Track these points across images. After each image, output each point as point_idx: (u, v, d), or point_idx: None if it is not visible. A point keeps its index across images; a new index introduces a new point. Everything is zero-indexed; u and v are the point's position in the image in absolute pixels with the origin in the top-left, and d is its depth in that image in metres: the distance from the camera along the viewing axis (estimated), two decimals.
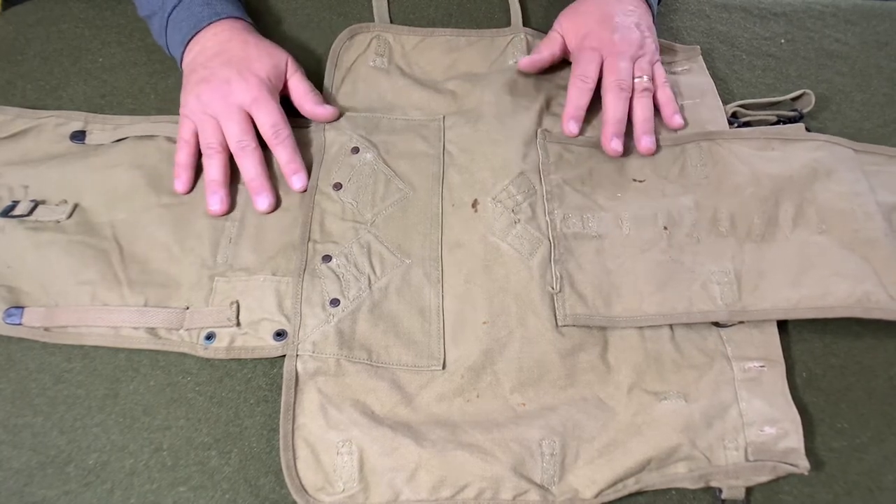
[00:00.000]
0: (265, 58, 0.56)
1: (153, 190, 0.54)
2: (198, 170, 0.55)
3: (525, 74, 0.61)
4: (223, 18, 0.56)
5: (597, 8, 0.60)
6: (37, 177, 0.55)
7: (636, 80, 0.57)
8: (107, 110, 0.60)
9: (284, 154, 0.54)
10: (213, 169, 0.53)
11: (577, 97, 0.57)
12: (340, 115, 0.58)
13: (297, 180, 0.54)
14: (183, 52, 0.56)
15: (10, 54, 0.64)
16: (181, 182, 0.54)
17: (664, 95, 0.59)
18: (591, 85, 0.57)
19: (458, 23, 0.67)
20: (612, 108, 0.56)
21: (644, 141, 0.56)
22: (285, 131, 0.54)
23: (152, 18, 0.58)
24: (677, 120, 0.58)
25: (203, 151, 0.54)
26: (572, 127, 0.57)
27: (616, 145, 0.56)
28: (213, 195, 0.53)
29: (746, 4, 0.72)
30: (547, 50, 0.60)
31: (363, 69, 0.62)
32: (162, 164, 0.56)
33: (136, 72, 0.63)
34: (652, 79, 0.58)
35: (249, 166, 0.53)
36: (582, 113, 0.57)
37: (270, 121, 0.54)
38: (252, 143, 0.53)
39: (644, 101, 0.57)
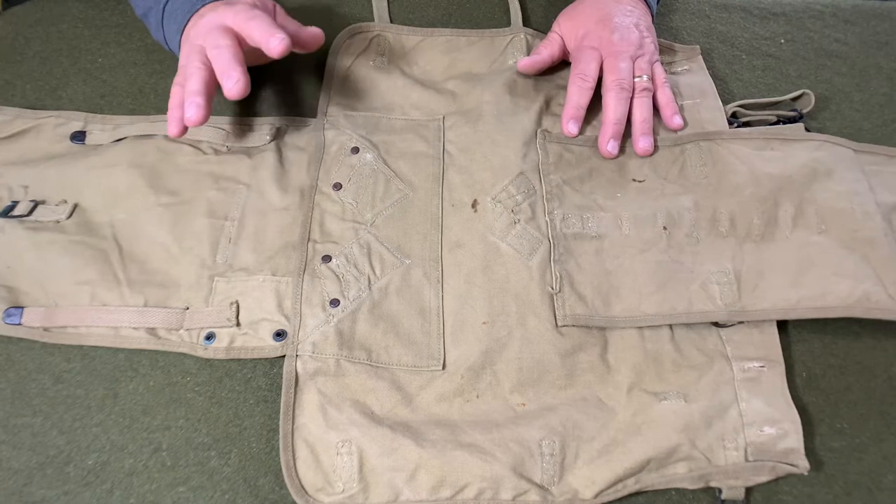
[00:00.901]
0: None
1: (152, 190, 0.54)
2: (195, 175, 0.55)
3: (524, 75, 0.61)
4: (216, 1, 0.55)
5: (595, 9, 0.60)
6: (36, 177, 0.55)
7: (636, 80, 0.57)
8: (106, 110, 0.60)
9: (258, 27, 0.49)
10: (194, 81, 0.49)
11: (576, 96, 0.57)
12: (323, 39, 0.55)
13: (276, 42, 0.48)
14: (180, 40, 0.56)
15: (10, 54, 0.64)
16: (174, 124, 0.50)
17: (664, 96, 0.59)
18: (591, 83, 0.57)
19: (458, 23, 0.67)
20: (613, 108, 0.56)
21: (641, 142, 0.56)
22: (259, 11, 0.50)
23: (149, 15, 0.58)
24: (677, 121, 0.58)
25: (186, 75, 0.50)
26: (572, 127, 0.57)
27: (612, 148, 0.56)
28: (191, 104, 0.48)
29: (746, 4, 0.72)
30: (546, 51, 0.60)
31: (363, 68, 0.62)
32: (161, 163, 0.55)
33: (136, 72, 0.63)
34: (651, 79, 0.58)
35: (223, 57, 0.49)
36: (582, 113, 0.57)
37: (247, 13, 0.50)
38: (227, 42, 0.49)
39: (643, 102, 0.57)
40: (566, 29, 0.61)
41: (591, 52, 0.58)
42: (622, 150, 0.57)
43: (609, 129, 0.56)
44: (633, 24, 0.59)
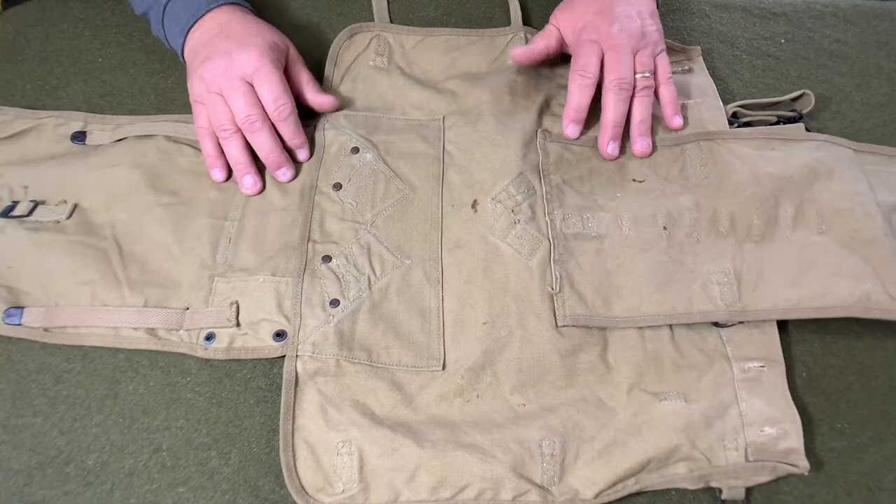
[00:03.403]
0: (266, 32, 0.55)
1: (153, 190, 0.54)
2: (195, 175, 0.55)
3: (524, 74, 0.61)
4: (222, 5, 0.56)
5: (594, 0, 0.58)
6: (36, 177, 0.55)
7: (637, 77, 0.56)
8: (107, 110, 0.60)
9: (287, 130, 0.54)
10: (234, 150, 0.53)
11: (577, 95, 0.56)
12: (339, 107, 0.58)
13: (301, 153, 0.55)
14: (183, 43, 0.56)
15: (10, 54, 0.64)
16: (218, 171, 0.54)
17: (668, 93, 0.57)
18: (593, 80, 0.56)
19: (458, 22, 0.67)
20: (612, 110, 0.55)
21: (639, 143, 0.56)
22: (288, 106, 0.53)
23: (149, 13, 0.58)
24: (677, 121, 0.58)
25: (218, 134, 0.53)
26: (572, 130, 0.56)
27: (612, 149, 0.55)
28: (245, 177, 0.53)
29: (746, 4, 0.72)
30: (542, 42, 0.59)
31: (363, 69, 0.62)
32: (161, 163, 0.55)
33: (136, 72, 0.63)
34: (654, 72, 0.57)
35: (262, 142, 0.53)
36: (583, 115, 0.57)
37: (273, 95, 0.53)
38: (259, 117, 0.52)
39: (643, 101, 0.56)
40: (564, 21, 0.59)
41: (591, 45, 0.56)
42: (622, 150, 0.57)
43: (608, 130, 0.55)
44: (635, 13, 0.56)
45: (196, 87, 0.53)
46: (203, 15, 0.55)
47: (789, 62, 0.67)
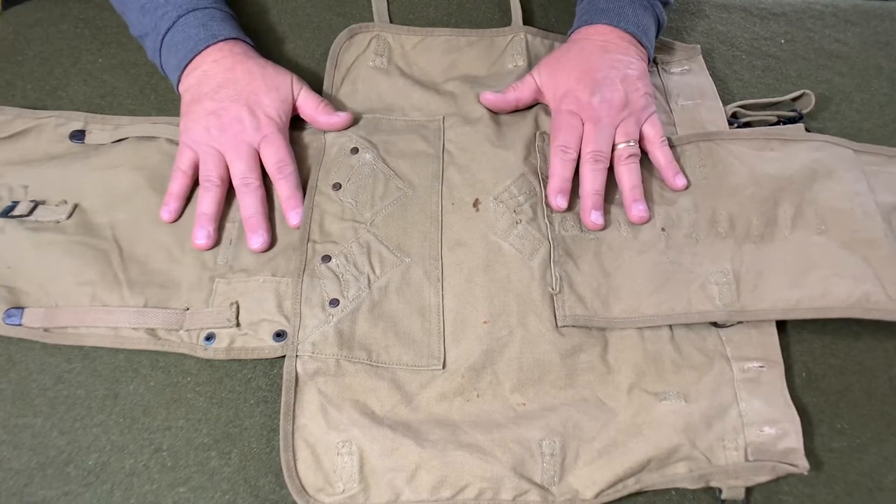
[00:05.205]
0: (273, 91, 0.55)
1: (154, 191, 0.54)
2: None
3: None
4: (220, 41, 0.55)
5: (578, 62, 0.57)
6: (37, 177, 0.55)
7: (620, 147, 0.54)
8: (107, 110, 0.60)
9: (286, 189, 0.53)
10: (207, 202, 0.52)
11: (560, 168, 0.53)
12: (355, 120, 0.58)
13: (294, 216, 0.53)
14: (180, 76, 0.55)
15: (10, 54, 0.64)
16: (169, 211, 0.53)
17: (663, 156, 0.55)
18: (574, 154, 0.54)
19: (458, 23, 0.67)
20: (589, 180, 0.53)
21: (634, 209, 0.53)
22: (290, 167, 0.54)
23: (145, 39, 0.57)
24: (680, 181, 0.55)
25: (201, 183, 0.53)
26: (560, 201, 0.53)
27: (596, 218, 0.52)
28: (201, 229, 0.52)
29: (746, 4, 0.72)
30: (513, 94, 0.58)
31: (363, 69, 0.62)
32: (163, 165, 0.56)
33: (136, 72, 0.63)
34: (643, 139, 0.55)
35: (249, 203, 0.52)
36: (568, 185, 0.53)
37: (277, 157, 0.53)
38: (256, 182, 0.53)
39: (629, 168, 0.54)
40: (546, 82, 0.58)
41: (571, 118, 0.55)
42: (608, 212, 0.54)
43: (588, 200, 0.53)
44: (619, 79, 0.55)
45: (198, 135, 0.53)
46: (201, 51, 0.55)
47: (789, 62, 0.67)
